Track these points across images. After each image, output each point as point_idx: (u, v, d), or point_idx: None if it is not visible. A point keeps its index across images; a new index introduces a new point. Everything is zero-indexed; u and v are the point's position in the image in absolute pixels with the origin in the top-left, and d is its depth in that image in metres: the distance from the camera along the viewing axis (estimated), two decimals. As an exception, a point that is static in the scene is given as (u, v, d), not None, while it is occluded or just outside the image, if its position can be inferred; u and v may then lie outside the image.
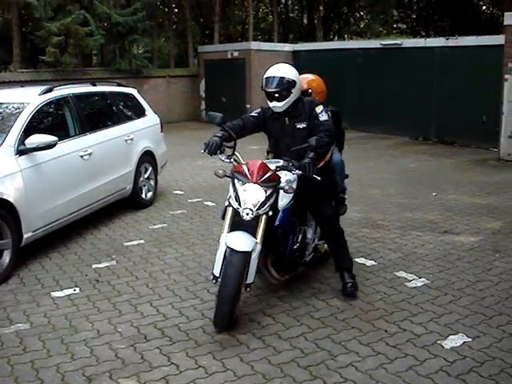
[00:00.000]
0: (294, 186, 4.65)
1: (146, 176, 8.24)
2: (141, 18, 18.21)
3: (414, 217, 7.52)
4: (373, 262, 5.81)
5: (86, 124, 6.97)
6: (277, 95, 4.82)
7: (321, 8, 27.44)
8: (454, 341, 4.15)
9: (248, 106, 18.55)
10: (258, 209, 4.36)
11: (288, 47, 19.65)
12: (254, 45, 18.94)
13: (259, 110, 5.15)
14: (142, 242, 6.56)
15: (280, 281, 4.93)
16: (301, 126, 4.90)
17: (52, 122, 6.72)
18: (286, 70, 4.90)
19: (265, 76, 4.94)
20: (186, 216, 7.67)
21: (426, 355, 3.93)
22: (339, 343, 4.12)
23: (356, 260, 5.83)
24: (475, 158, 12.22)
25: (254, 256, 4.29)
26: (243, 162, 4.77)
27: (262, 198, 4.39)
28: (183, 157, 12.42)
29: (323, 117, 4.83)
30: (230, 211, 4.56)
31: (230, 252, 4.24)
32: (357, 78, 16.80)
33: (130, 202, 7.94)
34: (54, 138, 5.93)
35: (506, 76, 11.48)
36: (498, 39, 12.51)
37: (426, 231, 6.91)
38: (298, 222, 4.93)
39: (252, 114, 5.17)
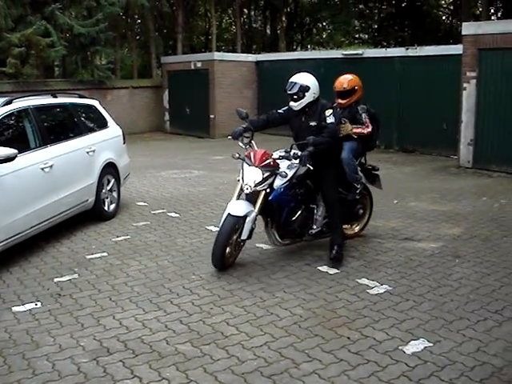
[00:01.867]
0: (290, 172, 5.83)
1: (108, 188, 8.17)
2: (103, 28, 18.07)
3: (376, 224, 7.60)
4: (336, 270, 5.86)
5: (46, 136, 6.89)
6: (295, 97, 5.97)
7: (283, 19, 27.67)
8: (415, 346, 4.20)
9: (212, 116, 18.59)
10: (255, 186, 5.64)
11: (251, 57, 19.79)
12: (218, 55, 19.02)
13: (286, 108, 6.24)
14: (104, 254, 6.50)
15: (282, 245, 6.25)
16: (313, 123, 6.01)
17: (12, 134, 6.62)
18: (302, 78, 6.06)
19: (289, 81, 6.12)
20: (149, 228, 7.63)
21: (387, 361, 3.98)
22: (302, 351, 4.14)
23: (319, 268, 5.91)
24: (436, 166, 12.44)
25: (248, 220, 5.60)
26: (253, 150, 5.99)
27: (259, 179, 5.65)
28: (147, 168, 12.37)
29: (330, 119, 5.92)
30: (239, 185, 5.87)
31: (227, 214, 5.59)
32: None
33: (92, 215, 7.85)
34: (14, 151, 5.86)
35: (465, 85, 11.73)
36: (456, 49, 12.78)
37: (388, 238, 7.01)
38: (303, 201, 6.12)
39: (279, 110, 6.30)
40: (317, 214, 6.32)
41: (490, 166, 11.40)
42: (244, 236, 5.69)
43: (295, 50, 28.74)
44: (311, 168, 5.77)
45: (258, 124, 6.35)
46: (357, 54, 16.05)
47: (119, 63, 22.18)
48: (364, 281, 5.55)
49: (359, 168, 6.66)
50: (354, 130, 6.46)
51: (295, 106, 6.03)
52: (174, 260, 6.24)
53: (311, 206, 6.28)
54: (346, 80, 6.72)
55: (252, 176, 5.70)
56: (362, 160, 6.87)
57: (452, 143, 12.55)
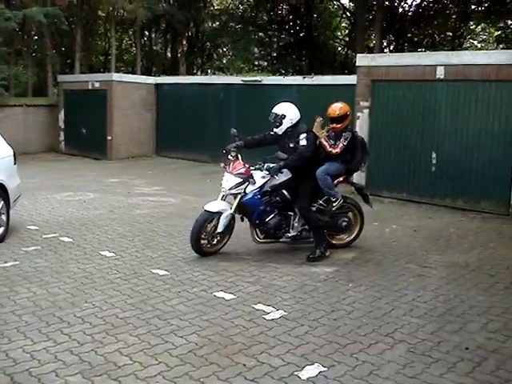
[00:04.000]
0: (260, 181, 7.16)
1: (-4, 210, 7.77)
2: (-3, 44, 17.37)
3: (273, 249, 7.65)
4: (232, 296, 5.84)
5: None
6: (276, 124, 7.33)
7: (184, 42, 27.75)
8: (310, 371, 4.25)
9: (109, 137, 18.23)
10: (229, 189, 7.10)
11: (151, 80, 19.64)
12: (116, 76, 18.72)
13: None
14: (-10, 281, 6.15)
15: (258, 242, 7.49)
16: (292, 145, 7.29)
17: None
18: (279, 108, 7.45)
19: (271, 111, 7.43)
20: (39, 252, 7.31)
21: (282, 387, 3.99)
22: (198, 380, 4.07)
23: (215, 294, 5.87)
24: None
25: (223, 216, 7.03)
26: (233, 161, 7.26)
27: (233, 184, 7.08)
28: (39, 190, 11.90)
29: (302, 142, 7.16)
30: (222, 190, 7.24)
31: (203, 211, 7.07)
32: (219, 112, 17.10)
33: (-22, 239, 7.44)
34: None
35: (358, 114, 12.18)
36: (351, 79, 13.27)
37: (284, 263, 7.08)
38: (279, 207, 7.31)
39: (271, 132, 7.55)
40: (294, 220, 7.44)
41: (382, 192, 11.83)
42: (219, 229, 7.07)
43: (195, 74, 28.86)
44: (277, 178, 7.12)
45: (252, 143, 7.64)
46: (256, 81, 16.32)
47: (13, 80, 21.32)
48: (260, 306, 5.56)
49: (355, 187, 8.00)
50: (322, 141, 7.45)
51: (277, 131, 7.39)
52: (66, 287, 5.99)
53: (288, 213, 7.40)
54: (338, 107, 7.64)
55: (227, 181, 7.15)
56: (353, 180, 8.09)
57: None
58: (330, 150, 7.40)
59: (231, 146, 7.38)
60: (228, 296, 5.84)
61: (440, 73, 11.05)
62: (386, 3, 26.30)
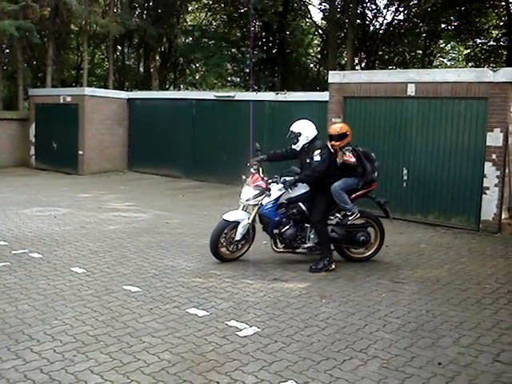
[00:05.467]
0: (276, 193, 7.67)
1: (-36, 226, 7.63)
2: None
3: (246, 265, 7.66)
4: (205, 313, 5.79)
5: None
6: (294, 141, 7.80)
7: (157, 58, 27.70)
8: (284, 388, 4.22)
9: (81, 152, 18.08)
10: (247, 200, 7.71)
11: (123, 94, 19.54)
12: (88, 90, 18.57)
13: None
14: (-43, 298, 6.02)
15: (275, 251, 7.88)
16: (308, 160, 7.68)
17: None
18: (295, 125, 7.85)
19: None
20: (9, 269, 7.17)
21: (256, 405, 3.96)
22: (170, 398, 4.02)
23: (188, 311, 5.82)
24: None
25: (240, 225, 7.65)
26: (253, 173, 7.86)
27: (250, 196, 7.68)
28: (8, 205, 11.74)
29: (316, 158, 7.52)
30: (240, 201, 7.85)
31: (221, 220, 7.73)
32: (191, 128, 17.08)
33: None
34: None
35: (330, 130, 12.22)
36: (323, 95, 13.38)
37: (257, 279, 7.06)
38: (296, 219, 7.71)
39: (293, 148, 7.95)
40: (310, 232, 7.79)
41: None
42: (237, 237, 7.69)
43: (168, 89, 28.80)
44: (290, 191, 7.65)
45: (274, 157, 8.27)
46: (229, 97, 16.35)
47: (-17, 94, 21.06)
48: (233, 323, 5.53)
49: (376, 201, 8.17)
50: (345, 158, 7.71)
51: (295, 147, 7.88)
52: (36, 304, 5.89)
53: (305, 225, 7.78)
54: (338, 126, 8.06)
55: (245, 193, 7.74)
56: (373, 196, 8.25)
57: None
58: (347, 159, 7.70)
59: (254, 159, 7.95)
60: (201, 313, 5.79)
61: (411, 90, 11.21)
62: (358, 21, 26.68)
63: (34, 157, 19.84)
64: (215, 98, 16.58)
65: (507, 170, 10.41)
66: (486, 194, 10.41)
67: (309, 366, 4.61)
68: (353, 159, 7.68)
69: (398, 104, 11.52)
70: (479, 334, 5.44)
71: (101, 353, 4.75)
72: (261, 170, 7.90)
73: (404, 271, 7.67)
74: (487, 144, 10.35)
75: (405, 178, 11.37)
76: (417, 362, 4.75)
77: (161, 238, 9.23)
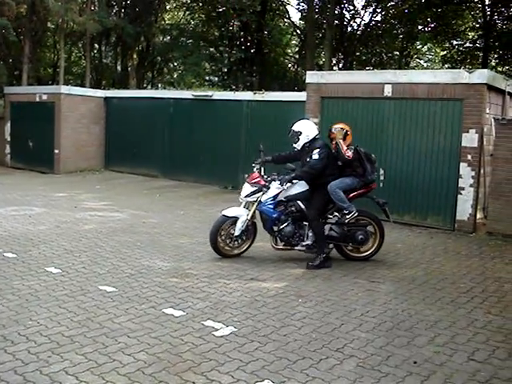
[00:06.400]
0: (274, 191, 7.83)
1: None
2: None
3: (223, 265, 7.65)
4: (181, 312, 5.77)
5: None
6: (295, 140, 7.99)
7: (135, 56, 27.54)
8: (261, 388, 4.22)
9: (57, 151, 17.91)
10: (245, 197, 7.94)
11: (100, 93, 19.41)
12: (65, 89, 18.40)
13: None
14: None
15: (274, 248, 8.08)
16: (307, 159, 7.84)
17: None
18: (296, 125, 8.08)
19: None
20: (-18, 269, 7.08)
21: (232, 405, 3.95)
22: (145, 399, 3.99)
23: (164, 311, 5.78)
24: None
25: (239, 221, 7.82)
26: (253, 172, 8.11)
27: (248, 192, 7.93)
28: (-18, 204, 11.57)
29: (314, 156, 7.71)
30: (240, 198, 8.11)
31: (220, 215, 7.97)
32: (169, 127, 17.03)
33: None
34: None
35: (308, 130, 12.26)
36: (301, 95, 13.42)
37: (234, 279, 7.05)
38: (294, 217, 7.86)
39: (294, 146, 8.15)
40: (309, 230, 7.91)
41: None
42: (236, 233, 7.88)
43: (145, 88, 28.66)
44: (284, 187, 7.74)
45: (279, 158, 8.37)
46: (206, 96, 16.32)
47: (-44, 91, 20.74)
48: (210, 323, 5.51)
49: (376, 201, 8.22)
50: (340, 142, 7.86)
51: (296, 146, 8.09)
52: (10, 304, 5.81)
53: (303, 223, 7.91)
54: (339, 126, 8.11)
55: (244, 189, 8.01)
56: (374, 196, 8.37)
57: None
58: (344, 152, 7.80)
59: (258, 161, 8.14)
60: (177, 313, 5.76)
61: (388, 91, 11.29)
62: (336, 22, 26.77)
63: (9, 155, 19.61)
64: (193, 97, 16.54)
65: (482, 171, 10.52)
66: (461, 194, 10.52)
67: (285, 366, 4.61)
68: (348, 154, 7.80)
69: (374, 104, 11.59)
70: (454, 332, 5.49)
71: (76, 353, 4.70)
72: (262, 169, 8.15)
73: (380, 271, 7.71)
74: (463, 145, 10.45)
75: (381, 178, 11.41)
76: (392, 361, 4.77)
77: (137, 237, 9.17)
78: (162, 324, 5.43)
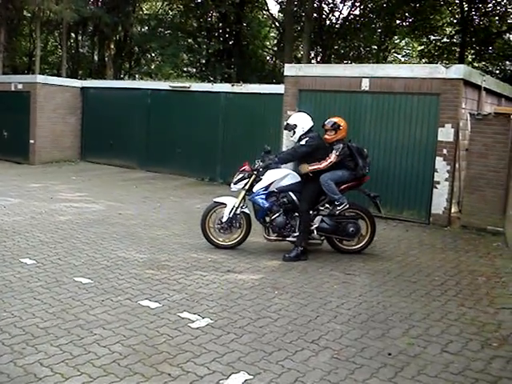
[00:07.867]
0: (265, 181, 7.95)
1: None
2: None
3: (199, 257, 7.65)
4: (157, 304, 5.76)
5: None
6: (292, 133, 8.14)
7: (112, 46, 27.32)
8: (236, 379, 4.23)
9: (32, 141, 17.69)
10: (234, 184, 8.13)
11: (77, 83, 19.18)
12: (41, 78, 18.16)
13: None
14: None
15: (266, 239, 8.18)
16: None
17: None
18: (292, 118, 8.29)
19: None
20: (-45, 260, 7.00)
21: (207, 396, 3.95)
22: (121, 391, 3.98)
23: (140, 303, 5.77)
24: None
25: (227, 208, 7.96)
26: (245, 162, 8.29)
27: (236, 179, 8.08)
28: (-44, 194, 11.40)
29: (301, 142, 7.98)
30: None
31: (212, 201, 8.23)
32: (146, 118, 16.91)
33: None
34: None
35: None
36: (278, 88, 13.42)
37: (210, 271, 7.05)
38: (286, 208, 7.96)
39: (291, 139, 8.40)
40: (296, 221, 8.01)
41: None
42: (224, 219, 7.98)
43: (123, 78, 28.45)
44: (263, 163, 7.99)
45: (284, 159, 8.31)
46: (184, 87, 16.24)
47: None
48: (186, 314, 5.51)
49: (367, 194, 8.33)
50: (310, 168, 7.91)
51: (292, 139, 8.26)
52: (-16, 297, 5.76)
53: (295, 214, 8.01)
54: (332, 120, 8.17)
55: (234, 178, 8.14)
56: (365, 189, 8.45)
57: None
58: (322, 165, 7.89)
59: (264, 164, 8.04)
60: (153, 304, 5.75)
61: (365, 84, 11.33)
62: (315, 15, 26.80)
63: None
64: (170, 88, 16.45)
65: (457, 165, 10.63)
66: (436, 188, 10.62)
67: (261, 357, 4.63)
68: (324, 164, 7.87)
69: (352, 98, 11.62)
70: (428, 325, 5.56)
71: (51, 345, 4.68)
72: (261, 163, 8.14)
73: (356, 263, 7.77)
74: (438, 139, 10.54)
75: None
76: (367, 353, 4.82)
77: (113, 229, 9.12)
78: (137, 316, 5.42)
